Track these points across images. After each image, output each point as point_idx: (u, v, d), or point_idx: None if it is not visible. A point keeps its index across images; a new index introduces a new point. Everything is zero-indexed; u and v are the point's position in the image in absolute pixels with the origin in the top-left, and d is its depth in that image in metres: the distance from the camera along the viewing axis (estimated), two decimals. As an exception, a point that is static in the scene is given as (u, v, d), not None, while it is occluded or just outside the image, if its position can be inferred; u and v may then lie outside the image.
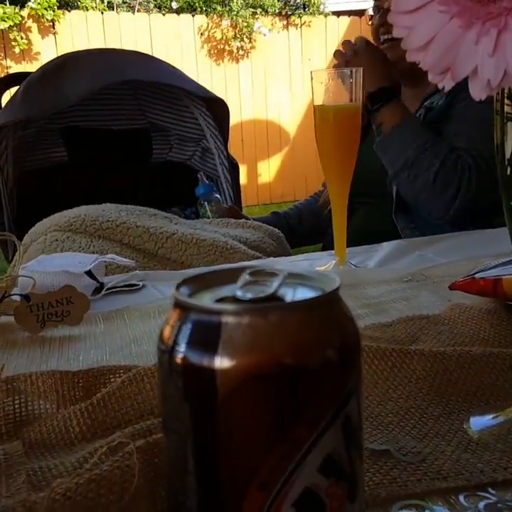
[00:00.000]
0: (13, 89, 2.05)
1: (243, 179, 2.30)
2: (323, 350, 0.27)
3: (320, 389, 0.27)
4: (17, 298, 0.70)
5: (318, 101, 0.82)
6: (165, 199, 1.74)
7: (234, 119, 2.15)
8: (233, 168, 2.02)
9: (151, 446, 0.41)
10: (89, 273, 0.79)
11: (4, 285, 0.70)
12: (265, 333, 0.26)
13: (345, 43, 1.37)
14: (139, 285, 0.84)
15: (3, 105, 2.01)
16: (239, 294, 0.29)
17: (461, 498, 0.39)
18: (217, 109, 2.01)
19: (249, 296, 0.28)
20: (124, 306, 0.78)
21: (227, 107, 2.02)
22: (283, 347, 0.26)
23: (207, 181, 1.72)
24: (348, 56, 1.34)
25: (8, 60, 5.15)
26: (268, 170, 5.89)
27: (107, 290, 0.81)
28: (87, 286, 0.79)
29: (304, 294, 0.29)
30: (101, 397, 0.50)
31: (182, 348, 0.27)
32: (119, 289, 0.82)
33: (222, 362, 0.26)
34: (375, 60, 1.35)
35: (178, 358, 0.27)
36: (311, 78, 0.82)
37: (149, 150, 2.16)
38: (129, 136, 2.15)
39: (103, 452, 0.41)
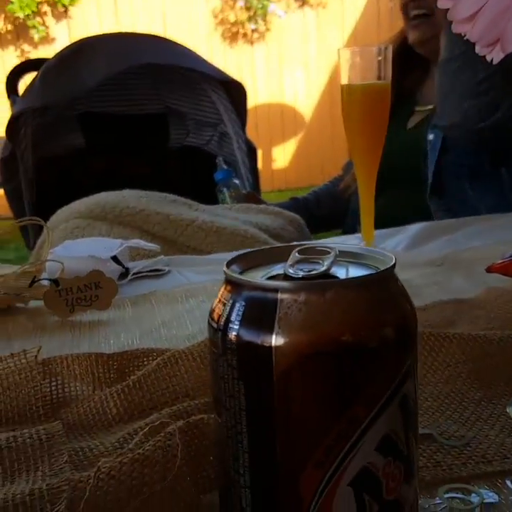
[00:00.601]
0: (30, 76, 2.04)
1: (258, 164, 2.27)
2: (382, 329, 0.26)
3: (378, 368, 0.26)
4: (46, 283, 0.70)
5: (345, 80, 0.81)
6: (182, 184, 1.72)
7: (248, 103, 2.11)
8: (251, 153, 2.00)
9: (191, 427, 0.41)
10: (114, 258, 0.79)
11: (33, 270, 0.70)
12: (322, 311, 0.26)
13: None
14: (164, 270, 0.84)
15: (21, 92, 2.02)
16: (290, 271, 0.28)
17: (508, 482, 0.39)
18: (234, 92, 1.99)
19: (301, 274, 0.28)
20: (150, 290, 0.78)
21: (245, 90, 2.00)
22: (340, 325, 0.26)
23: (225, 167, 1.68)
24: None
25: (26, 45, 5.15)
26: (283, 155, 5.83)
27: (133, 275, 0.81)
28: (112, 271, 0.79)
29: (357, 271, 0.29)
30: (137, 379, 0.50)
31: (236, 325, 0.27)
32: (144, 274, 0.82)
33: (278, 340, 0.26)
34: None
35: (232, 336, 0.27)
36: (339, 57, 0.80)
37: (166, 135, 2.15)
38: (146, 121, 2.13)
39: (144, 432, 0.40)
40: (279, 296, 0.26)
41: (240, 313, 0.27)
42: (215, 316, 0.28)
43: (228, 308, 0.28)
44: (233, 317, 0.27)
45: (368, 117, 0.82)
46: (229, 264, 0.29)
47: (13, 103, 2.04)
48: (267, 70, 5.75)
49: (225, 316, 0.28)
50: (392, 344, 0.27)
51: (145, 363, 0.54)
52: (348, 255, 0.31)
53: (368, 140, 0.83)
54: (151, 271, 0.83)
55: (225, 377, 0.28)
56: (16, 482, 0.38)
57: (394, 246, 0.93)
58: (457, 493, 0.39)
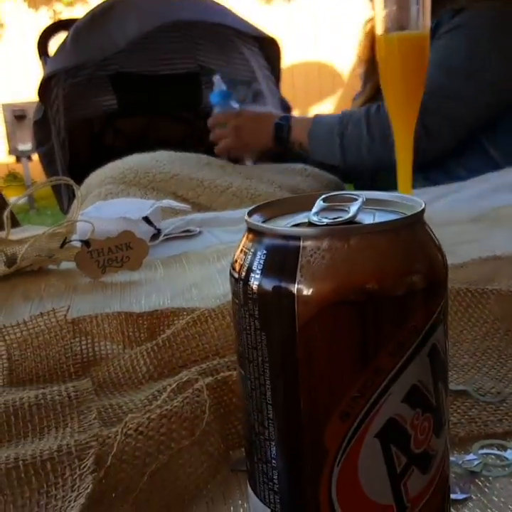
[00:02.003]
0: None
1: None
2: (409, 276, 0.25)
3: (405, 317, 0.25)
4: (77, 244, 0.70)
5: (381, 30, 0.78)
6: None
7: (284, 62, 2.06)
8: (286, 111, 1.95)
9: (220, 383, 0.41)
10: (146, 219, 0.78)
11: (64, 231, 0.70)
12: (347, 258, 0.25)
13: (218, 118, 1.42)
14: (196, 231, 0.84)
15: (52, 53, 2.00)
16: (314, 219, 0.27)
17: (545, 437, 0.37)
18: (269, 48, 1.93)
19: (325, 221, 0.27)
20: (182, 251, 0.77)
21: (279, 46, 1.95)
22: (366, 272, 0.25)
23: (224, 87, 1.46)
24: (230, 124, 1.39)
25: (58, 5, 5.13)
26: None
27: (164, 236, 0.81)
28: (144, 232, 0.78)
29: (384, 218, 0.27)
30: (166, 338, 0.50)
31: (257, 275, 0.26)
32: (176, 235, 0.82)
33: (300, 288, 0.25)
34: (254, 113, 1.44)
35: (254, 285, 0.26)
36: (373, 7, 0.77)
37: (199, 95, 2.11)
38: (178, 81, 2.10)
39: (172, 389, 0.40)
40: (302, 243, 0.25)
41: (262, 262, 0.26)
42: (237, 266, 0.27)
43: (249, 257, 0.27)
44: (254, 266, 0.26)
45: (406, 68, 0.79)
46: (251, 213, 0.28)
47: (44, 64, 2.03)
48: (303, 27, 5.58)
49: (247, 265, 0.27)
50: (421, 292, 0.25)
51: (175, 322, 0.54)
52: (376, 202, 0.29)
53: (406, 92, 0.80)
54: (182, 232, 0.83)
55: (247, 329, 0.27)
56: (44, 439, 0.39)
57: (430, 203, 0.90)
58: (492, 450, 0.38)
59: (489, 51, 1.25)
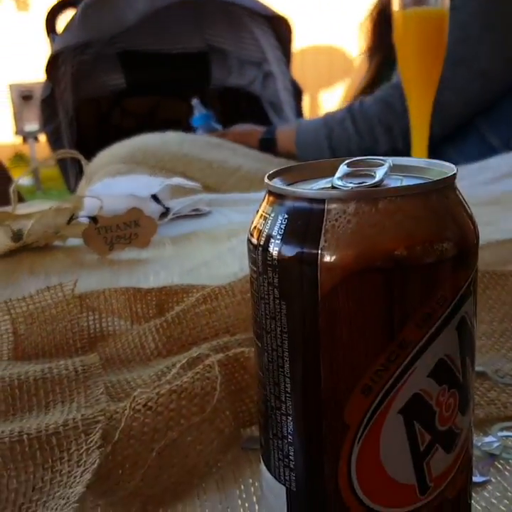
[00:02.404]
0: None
1: (304, 110, 2.20)
2: (440, 243, 0.24)
3: (433, 286, 0.24)
4: (84, 220, 0.69)
5: (397, 6, 0.76)
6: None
7: (295, 46, 2.02)
8: (297, 94, 1.93)
9: (231, 360, 0.40)
10: (154, 197, 0.77)
11: (71, 207, 0.69)
12: (374, 222, 0.23)
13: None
14: (205, 210, 0.82)
15: (60, 30, 1.98)
16: (339, 184, 0.26)
17: None
18: (280, 28, 1.90)
19: (350, 186, 0.25)
20: (191, 230, 0.76)
21: (291, 26, 1.92)
22: (394, 238, 0.23)
23: (204, 110, 1.45)
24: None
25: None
26: (331, 100, 5.64)
27: (173, 215, 0.79)
28: (153, 211, 0.77)
29: (415, 183, 0.26)
30: (175, 315, 0.49)
31: (278, 240, 0.25)
32: (185, 213, 0.81)
33: (324, 254, 0.23)
34: (238, 132, 1.43)
35: (274, 251, 0.25)
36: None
37: (208, 75, 2.08)
38: (187, 60, 2.07)
39: (182, 365, 0.39)
40: (326, 206, 0.24)
41: (283, 226, 0.25)
42: (255, 232, 0.26)
43: (269, 222, 0.25)
44: (275, 231, 0.25)
45: (424, 46, 0.77)
46: (271, 177, 0.27)
47: (52, 42, 2.01)
48: (314, 11, 5.50)
49: (266, 230, 0.25)
50: (451, 261, 0.24)
51: (184, 299, 0.53)
52: (403, 168, 0.28)
53: (424, 71, 0.78)
54: (191, 211, 0.81)
55: (265, 298, 0.26)
56: (50, 413, 0.38)
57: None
58: (511, 432, 0.37)
59: (480, 38, 1.22)
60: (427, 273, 0.24)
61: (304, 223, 0.24)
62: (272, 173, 0.27)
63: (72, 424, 0.34)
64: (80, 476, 0.32)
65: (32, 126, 4.05)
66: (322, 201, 0.24)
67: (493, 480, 0.33)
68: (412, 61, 0.78)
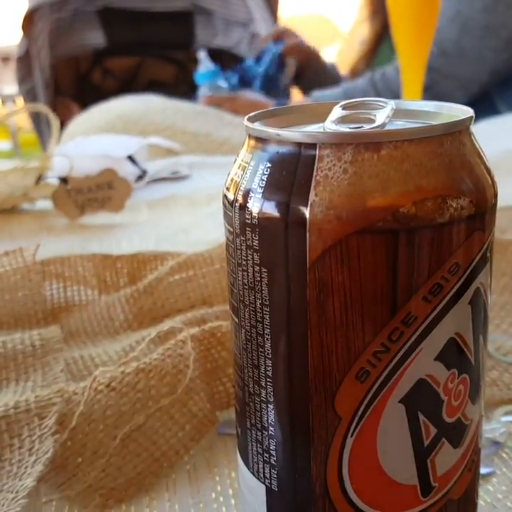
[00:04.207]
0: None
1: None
2: (455, 199, 0.19)
3: (446, 252, 0.20)
4: (54, 181, 0.64)
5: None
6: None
7: (283, 15, 1.96)
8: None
9: (207, 334, 0.36)
10: (130, 158, 0.72)
11: (39, 167, 0.64)
12: (376, 172, 0.19)
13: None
14: (184, 173, 0.77)
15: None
16: (333, 128, 0.22)
17: None
18: None
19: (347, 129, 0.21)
20: (169, 195, 0.71)
21: None
22: (400, 192, 0.19)
23: (211, 65, 1.30)
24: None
25: None
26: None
27: (150, 178, 0.75)
28: (128, 173, 0.72)
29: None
30: (148, 284, 0.44)
31: (258, 194, 0.20)
32: (163, 176, 0.76)
33: (314, 211, 0.19)
34: (250, 100, 1.34)
35: (254, 208, 0.20)
36: None
37: (192, 35, 2.00)
38: (170, 19, 1.98)
39: (152, 339, 0.35)
40: (318, 152, 0.19)
41: (264, 178, 0.20)
42: (232, 186, 0.22)
43: (249, 172, 0.21)
44: (255, 184, 0.20)
45: (417, 12, 0.72)
46: (252, 119, 0.22)
47: (29, -2, 1.92)
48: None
49: (245, 183, 0.21)
50: (466, 221, 0.20)
51: (158, 267, 0.49)
52: (409, 113, 0.23)
53: (418, 31, 0.73)
54: (170, 174, 0.76)
55: (243, 265, 0.21)
56: (2, 393, 0.33)
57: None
58: (518, 417, 0.33)
59: (509, 5, 1.17)
60: (438, 235, 0.19)
61: (290, 173, 0.20)
62: (253, 115, 0.23)
63: (24, 406, 0.30)
64: (31, 467, 0.28)
65: (10, 88, 3.93)
66: (313, 146, 0.19)
67: (498, 472, 0.30)
68: (406, 21, 0.73)
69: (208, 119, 1.21)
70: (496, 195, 0.21)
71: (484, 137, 0.82)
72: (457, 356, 0.21)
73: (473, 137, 0.21)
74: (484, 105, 1.26)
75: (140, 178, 0.74)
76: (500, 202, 0.66)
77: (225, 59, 1.91)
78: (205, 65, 1.29)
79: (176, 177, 0.77)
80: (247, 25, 1.88)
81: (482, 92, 1.25)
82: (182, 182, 0.76)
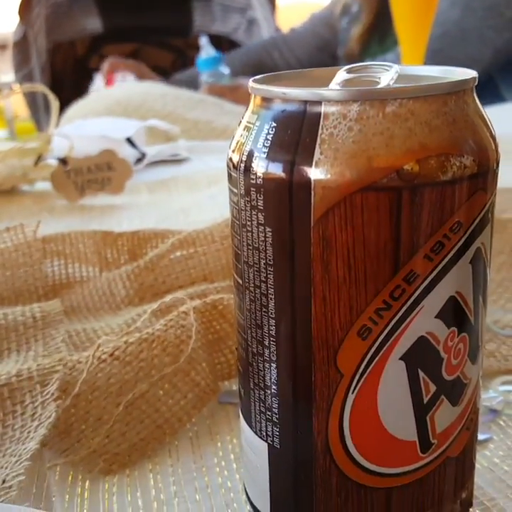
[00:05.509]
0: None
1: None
2: (458, 158, 0.20)
3: (449, 210, 0.20)
4: (53, 162, 0.64)
5: None
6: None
7: (280, 2, 1.95)
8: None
9: (209, 307, 0.36)
10: (129, 140, 0.72)
11: (38, 147, 0.64)
12: (380, 130, 0.19)
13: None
14: (184, 156, 0.78)
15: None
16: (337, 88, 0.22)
17: None
18: None
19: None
20: (169, 176, 0.71)
21: None
22: (405, 149, 0.19)
23: (212, 51, 1.25)
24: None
25: None
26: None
27: (149, 161, 0.75)
28: (127, 156, 0.72)
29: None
30: (149, 261, 0.45)
31: (263, 154, 0.21)
32: (162, 158, 0.76)
33: (319, 170, 0.19)
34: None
35: (258, 167, 0.21)
36: None
37: (190, 21, 1.99)
38: (168, 5, 1.97)
39: (154, 311, 0.35)
40: (323, 109, 0.20)
41: (269, 137, 0.21)
42: (237, 147, 0.22)
43: (254, 133, 0.21)
44: (260, 144, 0.21)
45: None
46: (257, 82, 0.23)
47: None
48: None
49: (250, 143, 0.21)
50: (468, 180, 0.20)
51: (159, 244, 0.49)
52: (413, 78, 0.24)
53: (416, 23, 0.73)
54: (170, 156, 0.76)
55: (247, 225, 0.22)
56: (4, 363, 0.34)
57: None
58: (515, 387, 0.33)
59: None
60: (441, 194, 0.20)
61: (296, 132, 0.20)
62: (257, 78, 0.23)
63: (26, 374, 0.31)
64: (34, 431, 0.28)
65: (7, 76, 3.91)
66: (318, 104, 0.20)
67: (496, 438, 0.30)
68: (406, 9, 0.73)
69: (207, 107, 1.20)
70: (498, 157, 0.21)
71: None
72: (457, 315, 0.22)
73: (476, 99, 0.21)
74: (488, 91, 1.26)
75: (139, 160, 0.74)
76: (500, 184, 0.66)
77: (223, 45, 1.91)
78: (206, 51, 1.26)
79: (175, 159, 0.77)
80: (244, 10, 1.87)
81: (485, 73, 1.24)
82: (182, 165, 0.77)
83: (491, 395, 0.33)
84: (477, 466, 0.28)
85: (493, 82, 1.26)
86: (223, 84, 1.27)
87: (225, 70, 1.29)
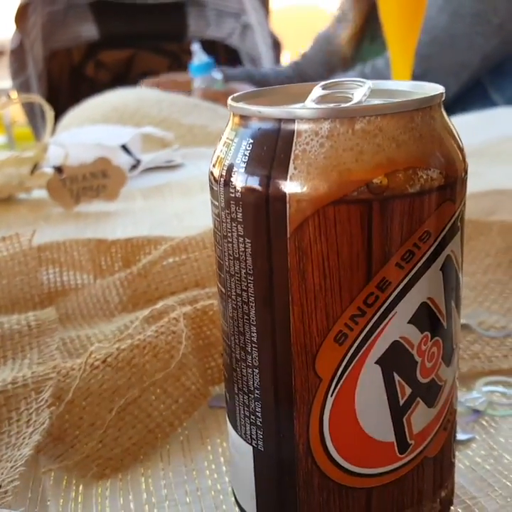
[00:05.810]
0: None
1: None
2: (425, 171, 0.21)
3: (417, 220, 0.21)
4: (49, 171, 0.65)
5: None
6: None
7: (276, 5, 1.95)
8: (276, 46, 1.86)
9: (199, 313, 0.37)
10: (124, 148, 0.73)
11: (34, 155, 0.65)
12: (351, 146, 0.20)
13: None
14: (178, 162, 0.79)
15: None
16: (312, 106, 0.23)
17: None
18: None
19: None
20: (163, 183, 0.72)
21: None
22: (374, 164, 0.20)
23: (205, 57, 1.26)
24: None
25: None
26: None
27: (144, 168, 0.76)
28: (122, 162, 0.73)
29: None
30: (142, 267, 0.46)
31: (241, 169, 0.21)
32: (157, 165, 0.77)
33: (293, 184, 0.20)
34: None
35: (237, 181, 0.22)
36: None
37: (185, 27, 2.00)
38: (163, 11, 1.98)
39: (146, 318, 0.36)
40: (296, 127, 0.21)
41: (247, 153, 0.22)
42: (217, 162, 0.23)
43: (233, 148, 0.22)
44: (238, 159, 0.22)
45: (405, 4, 0.73)
46: (236, 99, 0.24)
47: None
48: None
49: (229, 158, 0.22)
50: (436, 191, 0.21)
51: (152, 251, 0.50)
52: (385, 92, 0.25)
53: (406, 20, 0.74)
54: (164, 162, 0.77)
55: (228, 236, 0.23)
56: None
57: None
58: (497, 387, 0.34)
59: None
60: (409, 205, 0.21)
61: (271, 148, 0.21)
62: (237, 96, 0.24)
63: (21, 381, 0.32)
64: (29, 438, 0.29)
65: (4, 82, 3.92)
66: (291, 121, 0.21)
67: (478, 438, 0.31)
68: (394, 9, 0.74)
69: (202, 112, 1.21)
70: (465, 168, 0.22)
71: (473, 126, 0.84)
72: (430, 320, 0.22)
73: (444, 114, 0.22)
74: (478, 95, 1.27)
75: (134, 167, 0.75)
76: (487, 186, 0.67)
77: (218, 50, 1.92)
78: (198, 57, 1.28)
79: (169, 165, 0.78)
80: (239, 15, 1.88)
81: (474, 79, 1.26)
82: (176, 171, 0.77)
83: (475, 395, 0.34)
84: (459, 465, 0.29)
85: (482, 87, 1.27)
86: (216, 89, 1.28)
87: (218, 75, 1.31)
